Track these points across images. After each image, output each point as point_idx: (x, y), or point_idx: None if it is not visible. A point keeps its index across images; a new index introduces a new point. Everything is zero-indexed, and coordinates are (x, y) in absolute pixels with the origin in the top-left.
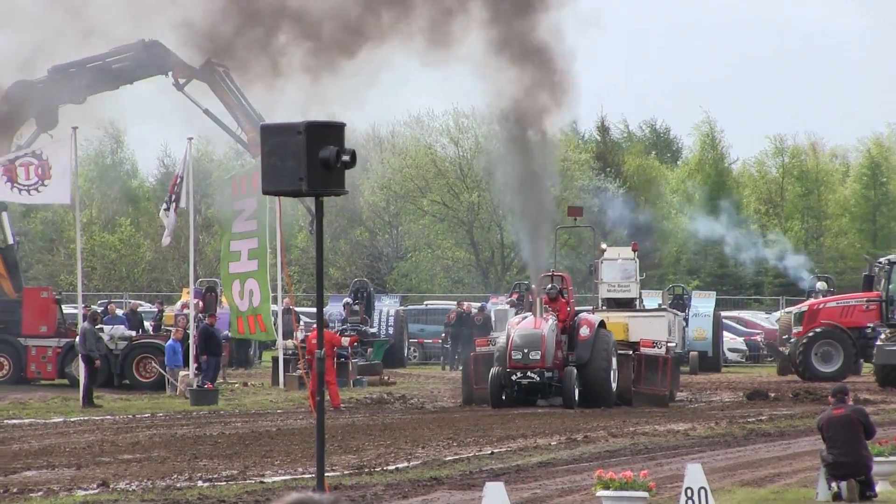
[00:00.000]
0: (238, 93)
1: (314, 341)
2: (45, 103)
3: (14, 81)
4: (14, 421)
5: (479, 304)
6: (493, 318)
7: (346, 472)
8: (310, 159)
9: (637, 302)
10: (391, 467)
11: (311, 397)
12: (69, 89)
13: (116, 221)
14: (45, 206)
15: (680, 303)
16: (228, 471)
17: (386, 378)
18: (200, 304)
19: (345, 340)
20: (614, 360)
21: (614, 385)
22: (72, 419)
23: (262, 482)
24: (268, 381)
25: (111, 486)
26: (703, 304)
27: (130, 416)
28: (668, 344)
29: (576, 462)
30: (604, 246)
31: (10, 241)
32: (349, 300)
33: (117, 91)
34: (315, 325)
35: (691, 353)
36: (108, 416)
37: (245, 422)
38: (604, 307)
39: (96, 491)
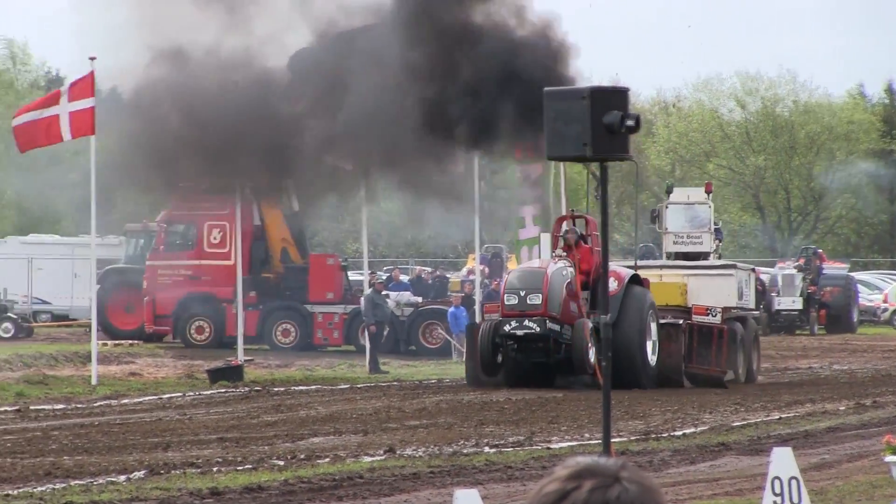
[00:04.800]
0: None
1: None
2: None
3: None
4: (301, 387)
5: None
6: (779, 283)
7: (632, 438)
8: (594, 124)
9: (711, 257)
10: (678, 433)
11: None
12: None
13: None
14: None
15: None
16: (515, 437)
17: None
18: (486, 269)
19: None
20: (653, 328)
21: (653, 359)
22: (358, 385)
23: (548, 448)
24: None
25: (398, 452)
26: None
27: (416, 383)
28: (747, 309)
29: (864, 427)
30: (669, 182)
31: (296, 208)
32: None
33: None
34: None
35: None
36: (395, 383)
37: (531, 388)
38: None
39: (383, 457)
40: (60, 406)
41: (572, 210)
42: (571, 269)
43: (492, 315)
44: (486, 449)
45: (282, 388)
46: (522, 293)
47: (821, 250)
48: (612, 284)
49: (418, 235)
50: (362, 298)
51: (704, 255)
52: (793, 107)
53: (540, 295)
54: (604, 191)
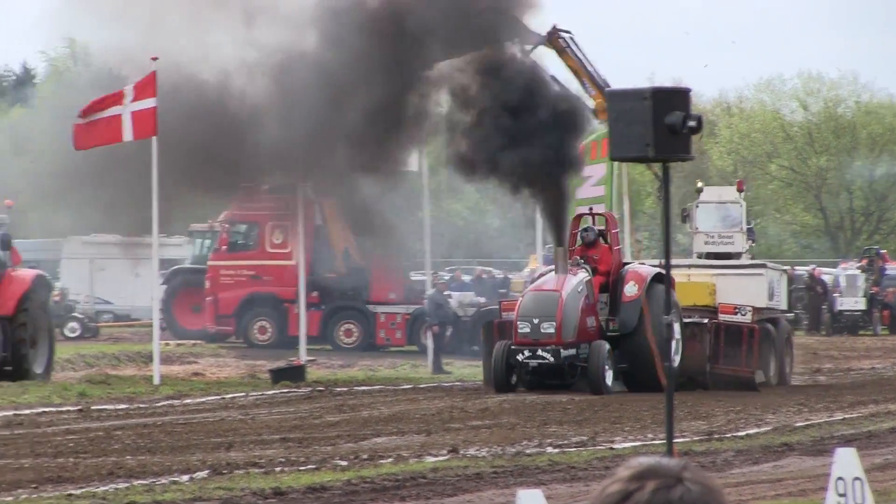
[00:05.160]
0: (584, 59)
1: None
2: None
3: None
4: (364, 387)
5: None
6: (842, 284)
7: (695, 439)
8: (656, 125)
9: (744, 257)
10: (741, 433)
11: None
12: None
13: (463, 189)
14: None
15: None
16: (578, 437)
17: None
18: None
19: None
20: (677, 330)
21: (675, 360)
22: (421, 386)
23: (611, 448)
24: None
25: (461, 452)
26: None
27: (479, 383)
28: (779, 310)
29: None
30: (700, 185)
31: None
32: None
33: None
34: None
35: None
36: (458, 383)
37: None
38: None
39: (446, 457)
40: (123, 406)
41: (591, 207)
42: (589, 278)
43: (510, 313)
44: (550, 449)
45: (344, 389)
46: (536, 321)
47: (884, 251)
48: (633, 289)
49: (481, 235)
50: (425, 299)
51: (736, 255)
52: (855, 107)
53: (553, 323)
54: (666, 191)
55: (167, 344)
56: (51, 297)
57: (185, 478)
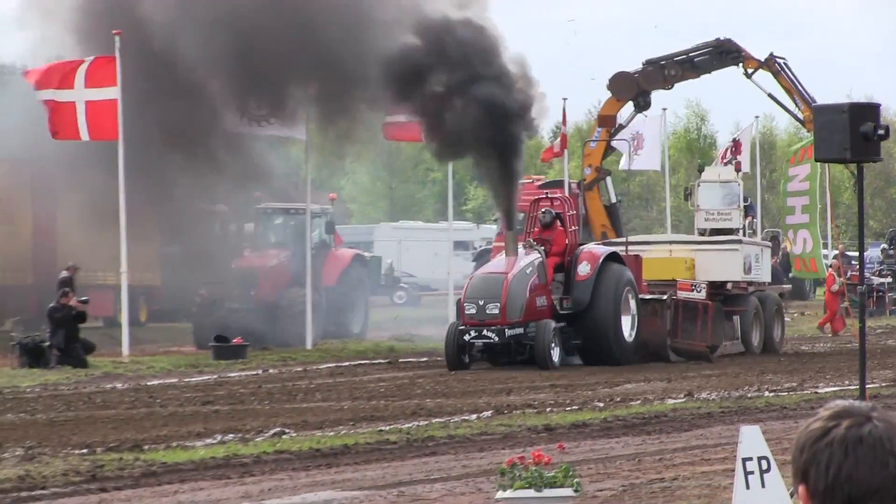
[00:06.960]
0: (796, 79)
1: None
2: (641, 89)
3: (615, 73)
4: None
5: None
6: None
7: (884, 385)
8: (852, 133)
9: (741, 233)
10: None
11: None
12: (661, 78)
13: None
14: (641, 172)
15: None
16: (789, 383)
17: None
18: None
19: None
20: (633, 305)
21: (630, 336)
22: None
23: (815, 392)
24: (821, 312)
25: (695, 395)
26: None
27: None
28: (762, 283)
29: None
30: (700, 162)
31: (613, 199)
32: (885, 246)
33: (698, 79)
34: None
35: None
36: None
37: (800, 344)
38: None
39: (683, 400)
40: (424, 359)
41: (546, 192)
42: (539, 260)
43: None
44: (766, 393)
45: None
46: (481, 303)
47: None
48: (585, 269)
49: None
50: None
51: (735, 231)
52: None
53: (498, 304)
54: (860, 186)
55: None
56: (379, 270)
57: (474, 417)
